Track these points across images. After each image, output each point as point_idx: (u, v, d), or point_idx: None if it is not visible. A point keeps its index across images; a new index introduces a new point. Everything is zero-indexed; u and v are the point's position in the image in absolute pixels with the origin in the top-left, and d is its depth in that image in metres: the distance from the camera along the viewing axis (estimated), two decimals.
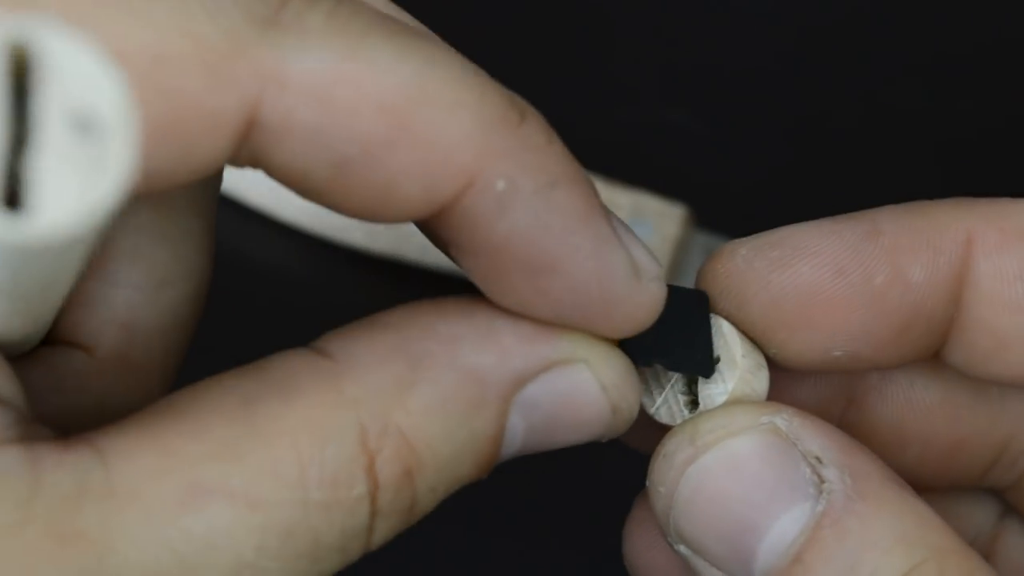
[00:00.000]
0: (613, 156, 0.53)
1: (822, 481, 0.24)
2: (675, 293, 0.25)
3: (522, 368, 0.24)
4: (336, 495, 0.22)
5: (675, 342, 0.26)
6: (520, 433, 0.25)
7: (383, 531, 0.24)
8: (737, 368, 0.26)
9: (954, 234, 0.26)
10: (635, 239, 0.25)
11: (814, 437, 0.25)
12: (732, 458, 0.25)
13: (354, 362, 0.23)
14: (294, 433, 0.22)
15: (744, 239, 0.27)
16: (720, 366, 0.26)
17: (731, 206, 0.49)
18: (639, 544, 0.28)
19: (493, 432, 0.24)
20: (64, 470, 0.21)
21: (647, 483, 0.26)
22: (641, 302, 0.25)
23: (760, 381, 0.26)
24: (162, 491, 0.21)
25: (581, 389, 0.25)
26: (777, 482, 0.24)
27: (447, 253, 0.25)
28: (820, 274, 0.26)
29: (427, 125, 0.22)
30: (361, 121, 0.22)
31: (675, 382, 0.26)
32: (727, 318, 0.26)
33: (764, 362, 0.26)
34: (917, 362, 0.27)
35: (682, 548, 0.25)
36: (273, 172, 0.22)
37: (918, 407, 0.29)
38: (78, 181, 0.16)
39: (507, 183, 0.23)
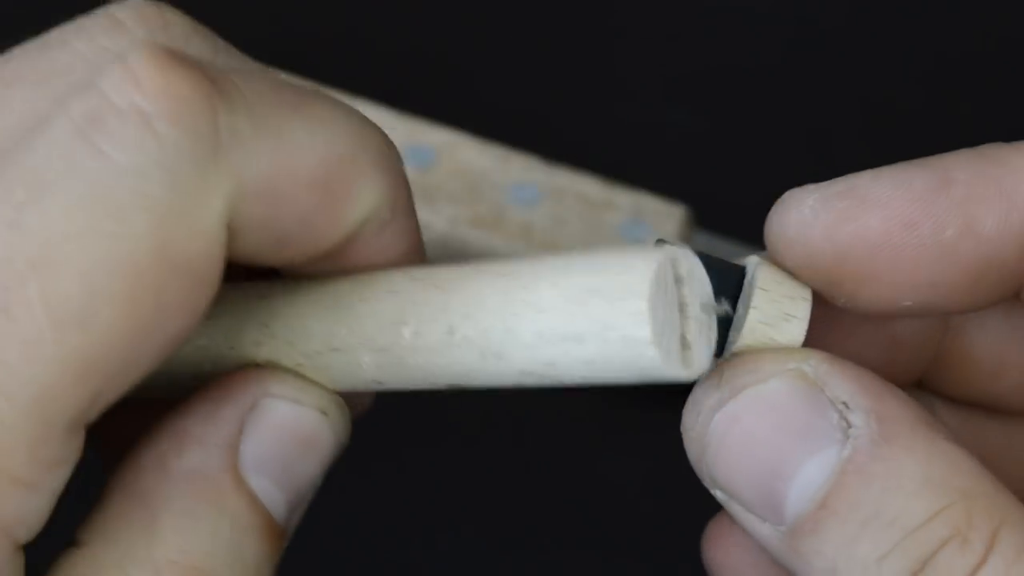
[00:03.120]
0: (613, 156, 0.53)
1: (849, 426, 0.24)
2: (718, 267, 0.25)
3: (224, 439, 0.26)
4: None
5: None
6: (271, 487, 0.26)
7: None
8: (746, 322, 0.25)
9: None
10: None
11: (842, 382, 0.24)
12: (759, 403, 0.25)
13: (102, 537, 0.25)
14: None
15: (812, 186, 0.26)
16: (737, 319, 0.26)
17: (731, 206, 0.49)
18: (722, 545, 0.28)
19: (248, 508, 0.26)
20: None
21: (681, 429, 0.26)
22: None
23: (785, 331, 0.25)
24: None
25: (282, 417, 0.27)
26: (803, 427, 0.24)
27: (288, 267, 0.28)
28: (888, 227, 0.25)
29: (345, 186, 0.26)
30: (298, 200, 0.25)
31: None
32: (795, 265, 0.26)
33: (798, 311, 0.26)
34: (998, 303, 0.27)
35: (718, 493, 0.25)
36: (233, 256, 0.25)
37: (1017, 334, 0.28)
38: (705, 342, 0.24)
39: (391, 212, 0.27)
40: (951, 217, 0.25)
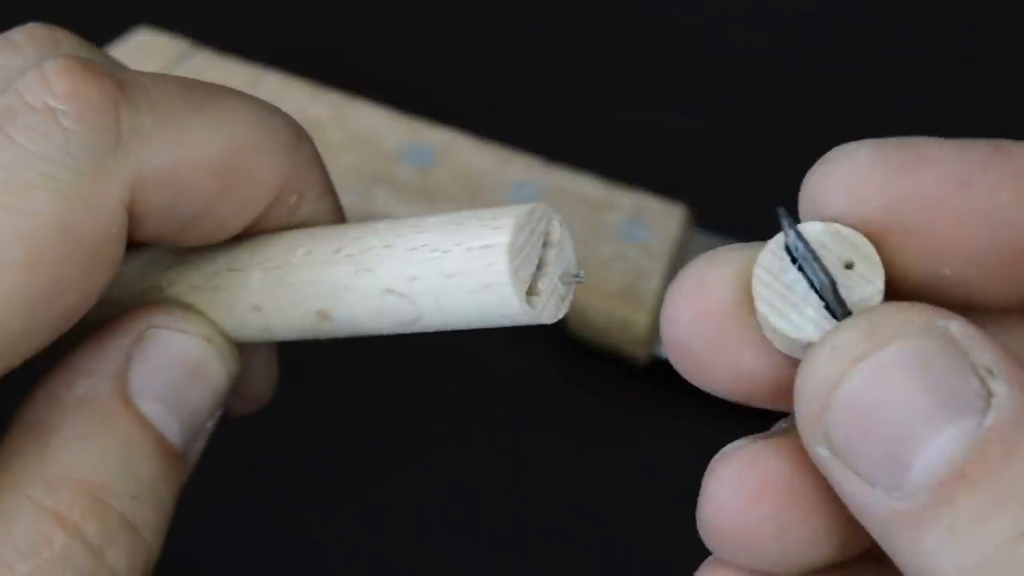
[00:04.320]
0: (613, 156, 0.53)
1: (991, 395, 0.23)
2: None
3: (111, 368, 0.29)
4: (41, 559, 0.26)
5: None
6: (164, 412, 0.29)
7: (118, 556, 0.27)
8: (879, 266, 0.24)
9: None
10: None
11: (985, 348, 0.23)
12: (907, 360, 0.23)
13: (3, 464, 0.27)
14: None
15: (866, 141, 0.25)
16: (856, 269, 0.25)
17: (731, 206, 0.49)
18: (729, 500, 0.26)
19: (139, 429, 0.28)
20: None
21: (796, 380, 0.24)
22: None
23: (869, 294, 0.25)
24: None
25: (169, 346, 0.29)
26: (947, 391, 0.23)
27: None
28: (944, 184, 0.25)
29: (244, 172, 0.29)
30: (199, 188, 0.28)
31: (808, 297, 0.25)
32: (842, 214, 0.25)
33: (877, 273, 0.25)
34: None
35: (822, 451, 0.24)
36: (136, 238, 0.28)
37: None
38: (555, 302, 0.27)
39: (297, 196, 0.30)
40: (1007, 182, 0.24)
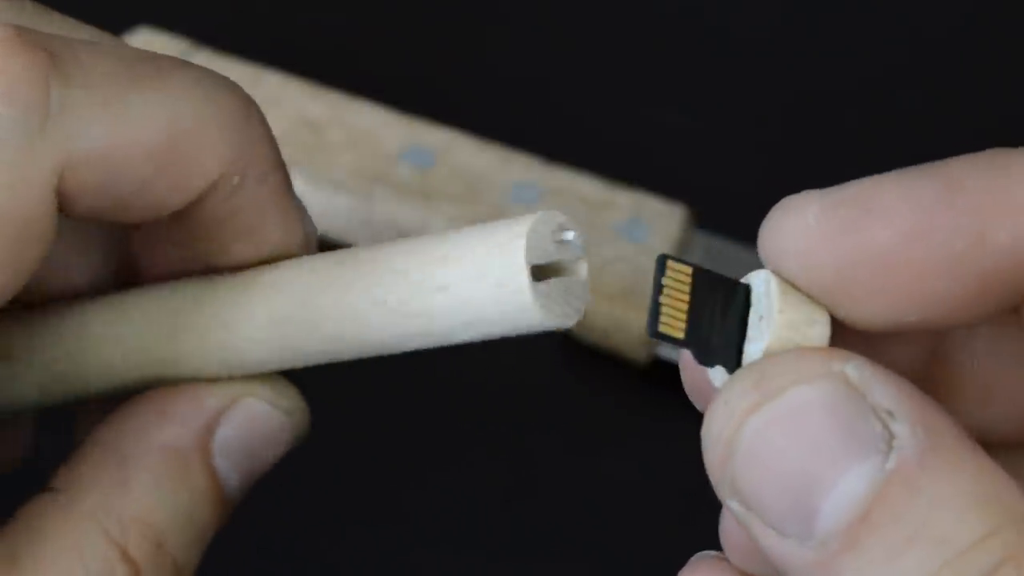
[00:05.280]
0: (613, 156, 0.53)
1: (892, 436, 0.22)
2: (703, 278, 0.25)
3: (204, 423, 0.30)
4: None
5: (704, 333, 0.25)
6: (233, 471, 0.30)
7: None
8: (774, 324, 0.24)
9: None
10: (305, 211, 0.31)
11: (886, 389, 0.23)
12: (800, 407, 0.23)
13: (77, 485, 0.29)
14: (57, 562, 0.27)
15: (812, 193, 0.25)
16: (762, 323, 0.25)
17: (731, 206, 0.49)
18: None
19: (208, 483, 0.30)
20: None
21: (701, 434, 0.24)
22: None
23: (811, 336, 0.24)
24: None
25: (257, 415, 0.30)
26: (846, 435, 0.23)
27: (172, 243, 0.31)
28: (894, 238, 0.24)
29: (184, 153, 0.28)
30: (135, 168, 0.27)
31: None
32: (793, 276, 0.25)
33: (820, 316, 0.25)
34: (996, 316, 0.26)
35: (734, 504, 0.24)
36: (71, 215, 0.28)
37: (1005, 360, 0.27)
38: (567, 306, 0.28)
39: (240, 178, 0.29)
40: (962, 227, 0.24)
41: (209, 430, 0.30)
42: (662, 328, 0.25)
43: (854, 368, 0.23)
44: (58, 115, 0.26)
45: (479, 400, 0.48)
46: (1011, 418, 0.27)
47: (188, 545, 0.29)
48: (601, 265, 0.47)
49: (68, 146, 0.26)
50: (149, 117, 0.27)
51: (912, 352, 0.27)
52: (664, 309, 0.25)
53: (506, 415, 0.47)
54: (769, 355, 0.24)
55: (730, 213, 0.48)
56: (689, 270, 0.25)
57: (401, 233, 0.49)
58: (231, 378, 0.31)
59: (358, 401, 0.47)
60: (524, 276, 0.26)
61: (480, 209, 0.50)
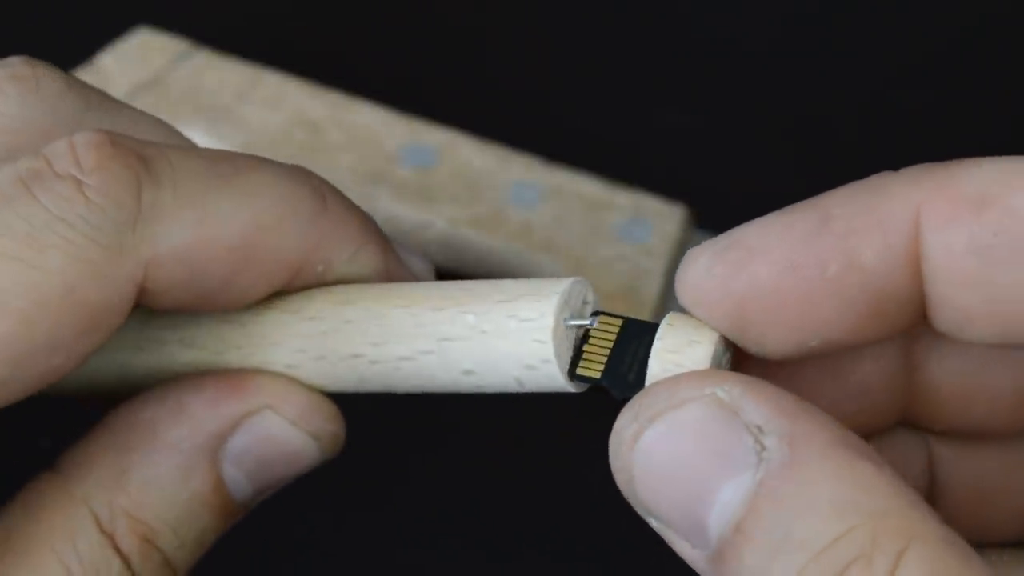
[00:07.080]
0: (613, 156, 0.53)
1: (763, 449, 0.24)
2: (632, 326, 0.27)
3: (215, 429, 0.29)
4: None
5: (623, 371, 0.27)
6: (243, 479, 0.30)
7: None
8: (655, 348, 0.26)
9: (902, 210, 0.25)
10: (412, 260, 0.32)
11: (756, 406, 0.24)
12: (675, 429, 0.25)
13: (76, 468, 0.28)
14: (49, 541, 0.27)
15: (704, 244, 0.27)
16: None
17: (731, 206, 0.49)
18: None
19: (210, 487, 0.29)
20: None
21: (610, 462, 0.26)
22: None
23: (693, 356, 0.26)
24: None
25: (274, 431, 0.30)
26: (720, 453, 0.24)
27: None
28: (774, 272, 0.26)
29: (265, 248, 0.29)
30: (217, 265, 0.28)
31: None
32: (706, 320, 0.27)
33: (701, 337, 0.26)
34: (911, 330, 0.27)
35: (652, 521, 0.25)
36: (155, 307, 0.29)
37: (974, 366, 0.28)
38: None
39: (324, 265, 0.30)
40: (832, 254, 0.25)
41: (221, 436, 0.29)
42: (579, 371, 0.27)
43: (724, 390, 0.25)
44: (148, 213, 0.27)
45: (479, 399, 0.48)
46: (997, 414, 0.28)
47: (181, 545, 0.29)
48: (601, 265, 0.47)
49: (155, 244, 0.27)
50: (231, 216, 0.28)
51: (883, 367, 0.29)
52: (585, 355, 0.27)
53: (505, 415, 0.47)
54: (652, 379, 0.26)
55: (730, 213, 0.48)
56: (620, 321, 0.27)
57: (401, 233, 0.49)
58: (273, 374, 0.30)
59: (358, 400, 0.47)
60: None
61: (480, 209, 0.50)
